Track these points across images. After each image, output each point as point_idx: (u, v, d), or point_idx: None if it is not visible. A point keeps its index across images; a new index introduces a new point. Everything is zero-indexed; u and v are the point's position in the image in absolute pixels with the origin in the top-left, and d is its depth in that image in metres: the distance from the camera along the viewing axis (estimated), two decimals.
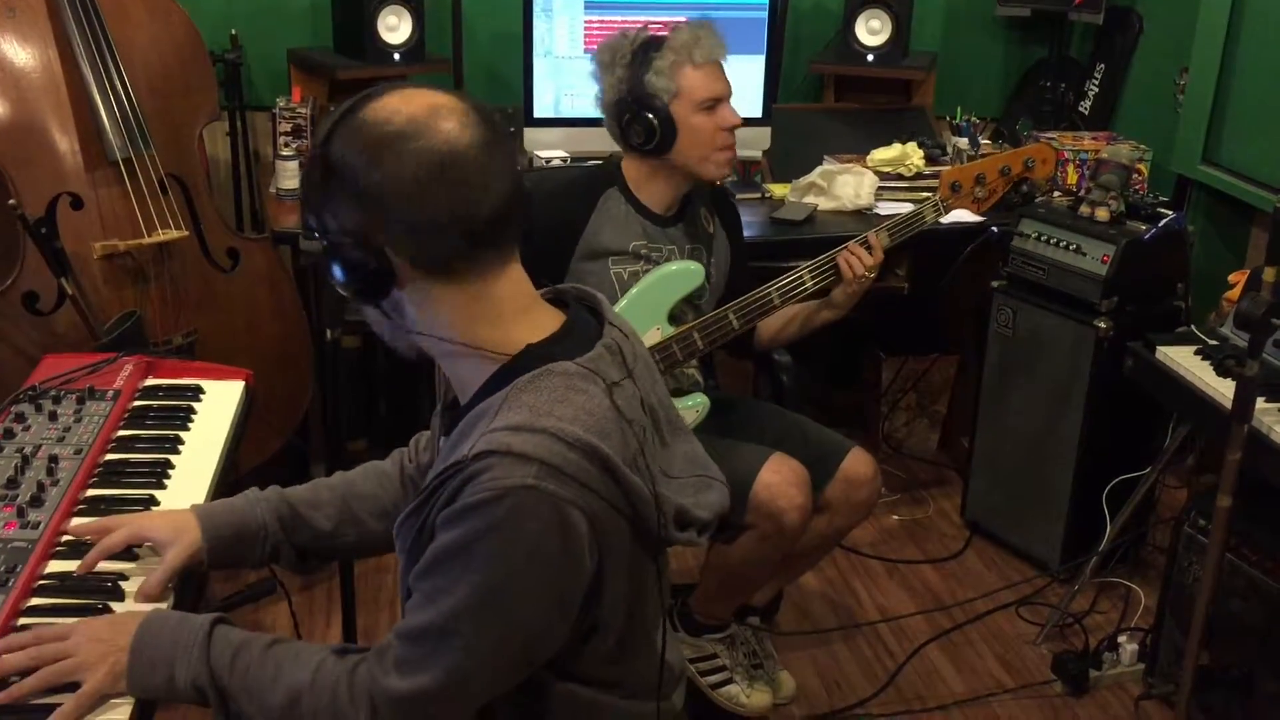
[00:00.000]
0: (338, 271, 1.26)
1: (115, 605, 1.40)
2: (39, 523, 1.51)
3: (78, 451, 1.68)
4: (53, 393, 1.82)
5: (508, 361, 1.29)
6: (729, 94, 2.32)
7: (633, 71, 2.28)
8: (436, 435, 1.49)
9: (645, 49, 2.28)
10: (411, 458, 1.64)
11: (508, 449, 1.18)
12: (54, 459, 1.64)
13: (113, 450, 1.73)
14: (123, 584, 1.44)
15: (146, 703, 1.31)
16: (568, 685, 1.32)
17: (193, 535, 1.48)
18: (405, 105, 1.25)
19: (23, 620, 1.37)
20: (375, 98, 1.27)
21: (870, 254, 2.38)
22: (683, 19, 2.35)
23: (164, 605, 1.42)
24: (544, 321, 1.33)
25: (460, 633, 1.20)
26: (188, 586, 1.51)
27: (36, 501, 1.55)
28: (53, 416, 1.76)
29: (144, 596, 1.42)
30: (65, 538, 1.51)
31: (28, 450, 1.66)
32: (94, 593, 1.42)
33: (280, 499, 1.56)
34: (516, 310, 1.31)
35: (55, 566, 1.46)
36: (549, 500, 1.18)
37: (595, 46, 3.21)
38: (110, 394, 1.84)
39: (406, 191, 1.21)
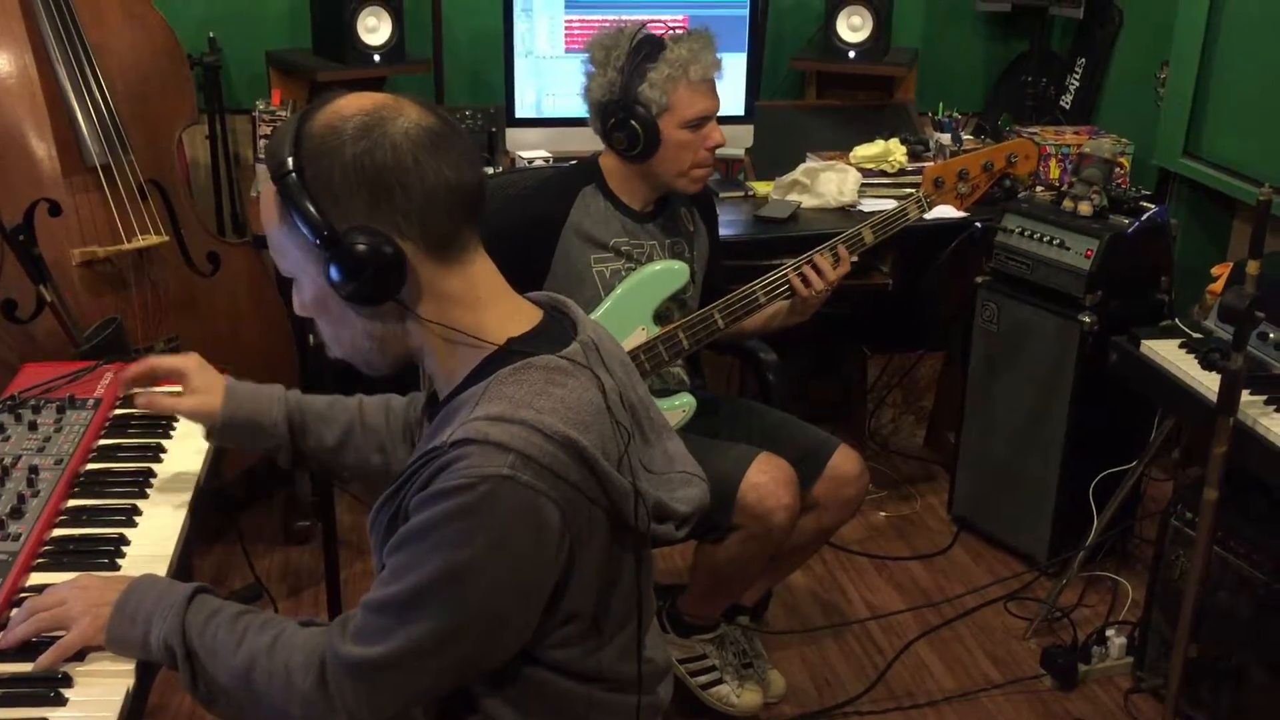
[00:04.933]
0: (347, 272, 1.22)
1: None
2: (19, 534, 1.50)
3: (58, 462, 1.66)
4: (32, 402, 1.81)
5: (490, 354, 1.29)
6: (717, 111, 2.32)
7: (626, 76, 2.25)
8: (417, 427, 1.50)
9: (642, 54, 2.25)
10: (416, 406, 1.64)
11: (485, 438, 1.19)
12: (34, 470, 1.62)
13: (94, 460, 1.71)
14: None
15: (144, 675, 1.34)
16: (549, 675, 1.32)
17: (214, 405, 1.60)
18: (364, 100, 1.27)
19: (2, 633, 1.35)
20: (328, 102, 1.27)
21: (834, 267, 2.37)
22: (665, 18, 2.34)
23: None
24: (523, 313, 1.35)
25: (420, 609, 1.21)
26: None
27: (16, 513, 1.54)
28: (32, 426, 1.74)
29: (147, 403, 1.61)
30: (46, 549, 1.50)
31: (7, 461, 1.64)
32: None
33: (297, 405, 1.64)
34: (495, 295, 1.33)
35: (36, 579, 1.45)
36: (523, 491, 1.19)
37: (577, 45, 3.24)
38: (91, 403, 1.83)
39: (407, 165, 1.22)
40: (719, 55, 2.31)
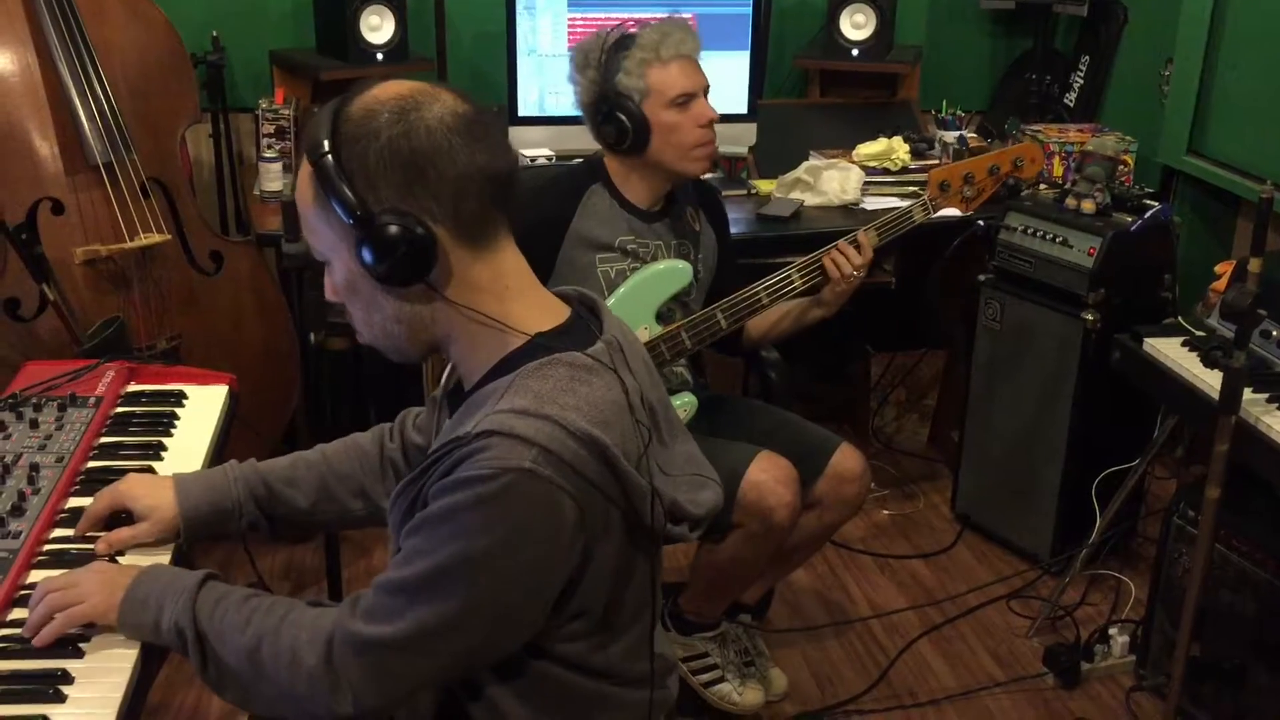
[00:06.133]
0: (379, 252, 1.23)
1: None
2: (20, 532, 1.50)
3: (59, 460, 1.66)
4: (34, 400, 1.81)
5: (517, 348, 1.31)
6: (704, 88, 2.31)
7: (604, 73, 2.27)
8: (435, 420, 1.50)
9: (616, 48, 2.27)
10: (394, 436, 1.64)
11: (510, 430, 1.20)
12: (35, 467, 1.62)
13: (95, 458, 1.71)
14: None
15: (144, 672, 1.34)
16: (557, 669, 1.33)
17: (170, 512, 1.54)
18: (401, 86, 1.28)
19: (4, 631, 1.36)
20: (366, 88, 1.29)
21: (859, 253, 2.37)
22: (664, 15, 2.34)
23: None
24: (550, 308, 1.36)
25: (432, 593, 1.22)
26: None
27: (17, 511, 1.54)
28: (34, 424, 1.74)
29: (108, 546, 1.49)
30: (47, 547, 1.50)
31: (8, 459, 1.64)
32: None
33: (258, 478, 1.59)
34: (523, 287, 1.34)
35: (37, 576, 1.45)
36: (543, 485, 1.20)
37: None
38: (92, 401, 1.83)
39: (441, 149, 1.24)
40: (694, 36, 2.30)
